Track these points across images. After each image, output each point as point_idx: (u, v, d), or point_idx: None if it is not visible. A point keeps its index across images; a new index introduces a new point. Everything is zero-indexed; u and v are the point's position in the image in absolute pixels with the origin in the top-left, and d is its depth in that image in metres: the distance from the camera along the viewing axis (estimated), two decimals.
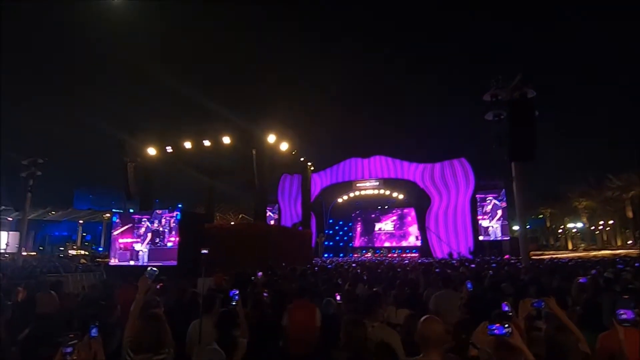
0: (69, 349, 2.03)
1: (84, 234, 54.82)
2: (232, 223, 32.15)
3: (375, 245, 37.18)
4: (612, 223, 51.43)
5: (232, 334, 3.15)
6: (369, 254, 34.78)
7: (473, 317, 3.16)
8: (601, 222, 52.70)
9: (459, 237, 30.79)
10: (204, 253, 4.51)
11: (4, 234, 39.75)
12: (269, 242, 14.59)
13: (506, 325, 1.91)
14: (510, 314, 2.05)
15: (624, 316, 2.41)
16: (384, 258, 28.64)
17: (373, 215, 38.31)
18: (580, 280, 5.43)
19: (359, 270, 10.36)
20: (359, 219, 38.84)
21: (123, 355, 2.75)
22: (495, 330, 1.91)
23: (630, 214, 44.68)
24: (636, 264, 11.46)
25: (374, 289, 5.00)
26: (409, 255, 32.89)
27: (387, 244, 36.73)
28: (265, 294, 4.67)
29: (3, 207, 38.20)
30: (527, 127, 12.78)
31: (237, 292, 3.46)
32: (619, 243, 48.92)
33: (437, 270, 9.56)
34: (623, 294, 4.40)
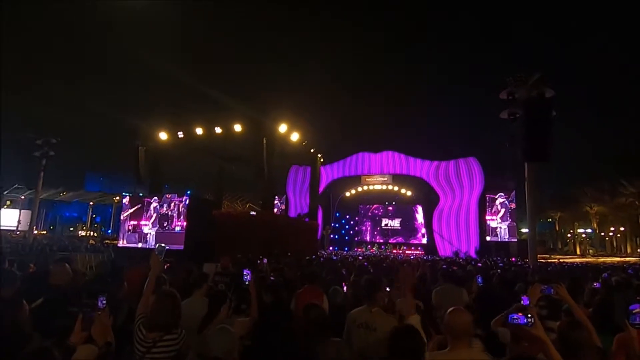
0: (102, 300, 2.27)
1: (94, 216, 55.68)
2: (240, 210, 32.34)
3: (381, 240, 37.13)
4: (623, 230, 50.59)
5: (219, 311, 3.13)
6: (374, 249, 34.75)
7: (483, 311, 3.12)
8: (612, 229, 51.86)
9: (465, 236, 30.59)
10: (253, 215, 4.58)
11: (17, 212, 40.57)
12: (275, 231, 14.65)
13: (529, 315, 1.85)
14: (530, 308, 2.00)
15: (636, 317, 2.37)
16: (389, 253, 28.59)
17: (381, 211, 38.21)
18: (595, 285, 5.32)
19: (365, 264, 10.33)
20: (366, 213, 38.78)
21: (134, 331, 2.75)
22: (517, 320, 1.86)
23: None
24: None
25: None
26: (414, 252, 32.80)
27: (392, 240, 36.65)
28: (271, 278, 4.67)
29: (16, 186, 39.01)
30: (543, 128, 12.55)
31: (250, 271, 3.46)
32: (629, 250, 48.16)
33: (443, 266, 9.48)
34: (635, 296, 4.31)
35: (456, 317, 2.23)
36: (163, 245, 3.42)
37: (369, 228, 38.61)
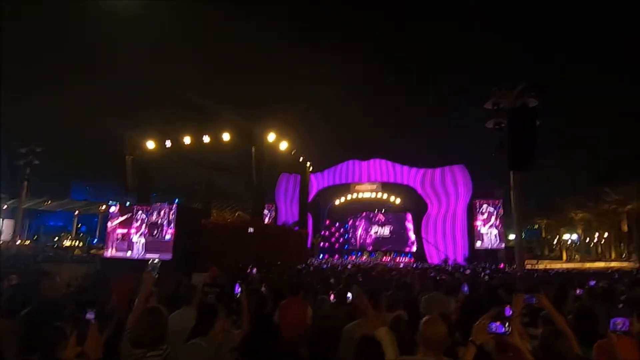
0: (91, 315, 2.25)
1: (80, 225, 54.48)
2: (229, 220, 32.07)
3: (371, 248, 37.17)
4: (607, 236, 51.65)
5: (212, 325, 3.10)
6: (364, 257, 34.77)
7: (468, 320, 3.17)
8: (596, 235, 52.91)
9: (452, 244, 30.86)
10: (251, 232, 4.59)
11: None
12: (265, 240, 14.60)
13: (506, 324, 1.91)
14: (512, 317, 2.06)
15: (618, 326, 2.45)
16: (378, 261, 28.63)
17: (371, 219, 38.31)
18: (577, 292, 5.44)
19: (354, 272, 10.35)
20: (355, 221, 38.85)
21: (121, 346, 2.72)
22: (495, 329, 1.91)
23: (625, 228, 44.84)
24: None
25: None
26: (403, 259, 32.93)
27: (382, 248, 36.72)
28: (263, 289, 4.67)
29: None
30: (527, 137, 12.85)
31: (239, 283, 3.46)
32: (613, 256, 49.12)
33: (432, 274, 9.58)
34: (617, 304, 4.43)
35: (430, 326, 2.23)
36: (157, 261, 3.40)
37: (359, 236, 38.65)
